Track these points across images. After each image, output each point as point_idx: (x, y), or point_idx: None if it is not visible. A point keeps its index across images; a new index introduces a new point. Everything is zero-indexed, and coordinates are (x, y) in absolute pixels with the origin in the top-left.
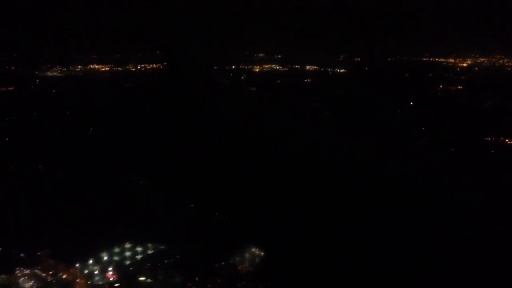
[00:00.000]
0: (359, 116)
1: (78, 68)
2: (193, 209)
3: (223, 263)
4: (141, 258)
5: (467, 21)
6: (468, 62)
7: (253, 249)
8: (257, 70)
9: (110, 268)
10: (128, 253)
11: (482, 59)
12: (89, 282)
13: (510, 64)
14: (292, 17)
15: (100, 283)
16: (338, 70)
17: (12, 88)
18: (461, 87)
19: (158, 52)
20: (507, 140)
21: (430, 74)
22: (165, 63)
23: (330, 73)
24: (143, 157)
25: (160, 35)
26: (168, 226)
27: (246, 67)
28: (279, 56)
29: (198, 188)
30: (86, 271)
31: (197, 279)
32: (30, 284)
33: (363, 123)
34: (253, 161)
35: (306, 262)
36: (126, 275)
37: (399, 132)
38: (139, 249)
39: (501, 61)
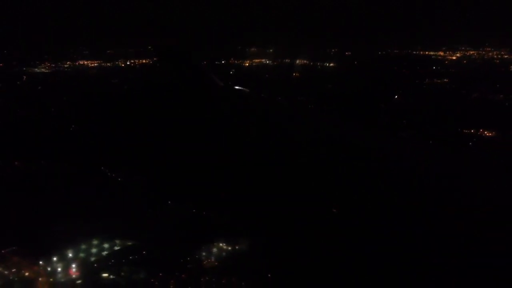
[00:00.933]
0: (343, 110)
1: (67, 64)
2: (170, 206)
3: (188, 258)
4: (106, 254)
5: (459, 14)
6: (458, 55)
7: (221, 244)
8: (247, 64)
9: (74, 265)
10: (94, 250)
11: (471, 52)
12: (51, 280)
13: (499, 56)
14: (286, 11)
15: (62, 280)
16: (327, 64)
17: None
18: (447, 80)
19: (150, 47)
20: (486, 133)
21: (418, 67)
22: (155, 59)
23: (319, 67)
24: (125, 155)
25: (152, 32)
26: (141, 222)
27: (236, 61)
28: (271, 50)
29: (180, 186)
30: (49, 269)
31: (160, 274)
32: None
33: (347, 117)
34: (237, 159)
35: (276, 257)
36: (89, 272)
37: (382, 125)
38: (106, 245)
39: (490, 53)
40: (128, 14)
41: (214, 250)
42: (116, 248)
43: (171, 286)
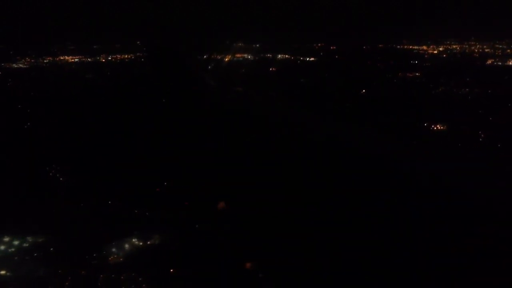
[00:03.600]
0: (311, 104)
1: (47, 60)
2: (109, 204)
3: (95, 255)
4: (12, 251)
5: (448, 8)
6: (440, 49)
7: (134, 240)
8: (227, 59)
9: None
10: (2, 247)
11: (455, 46)
12: None
13: (480, 50)
14: (276, 7)
15: None
16: (308, 59)
17: None
18: (418, 74)
19: (138, 42)
20: (438, 126)
21: (392, 62)
22: (144, 54)
23: (299, 61)
24: (76, 154)
25: (140, 26)
26: (67, 220)
27: (218, 56)
28: (257, 45)
29: (120, 185)
30: None
31: (60, 271)
32: None
33: (314, 111)
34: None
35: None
36: None
37: (344, 118)
38: (15, 242)
39: (472, 47)
40: (116, 9)
41: (126, 246)
42: (25, 245)
43: (67, 283)
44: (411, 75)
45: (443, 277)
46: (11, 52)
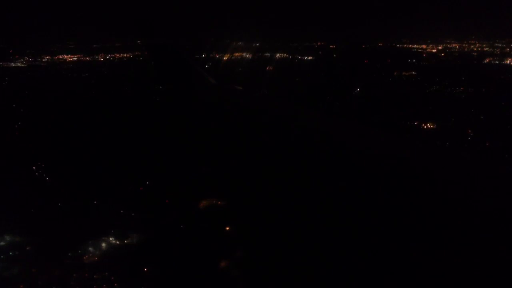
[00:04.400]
0: (310, 104)
1: (46, 59)
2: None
3: (69, 254)
4: None
5: (446, 7)
6: (439, 48)
7: (111, 239)
8: (227, 58)
9: None
10: None
11: (454, 45)
12: None
13: (479, 49)
14: (275, 6)
15: None
16: (306, 58)
17: None
18: (414, 73)
19: (139, 42)
20: (429, 125)
21: (389, 60)
22: (146, 53)
23: (297, 60)
24: (63, 153)
25: (138, 24)
26: (44, 217)
27: (217, 55)
28: (257, 44)
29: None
30: None
31: (33, 270)
32: None
33: (313, 110)
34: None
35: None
36: None
37: (342, 117)
38: None
39: (472, 46)
40: (116, 8)
41: (103, 244)
42: (1, 243)
43: (39, 282)
44: (407, 73)
45: (442, 277)
46: (10, 51)
